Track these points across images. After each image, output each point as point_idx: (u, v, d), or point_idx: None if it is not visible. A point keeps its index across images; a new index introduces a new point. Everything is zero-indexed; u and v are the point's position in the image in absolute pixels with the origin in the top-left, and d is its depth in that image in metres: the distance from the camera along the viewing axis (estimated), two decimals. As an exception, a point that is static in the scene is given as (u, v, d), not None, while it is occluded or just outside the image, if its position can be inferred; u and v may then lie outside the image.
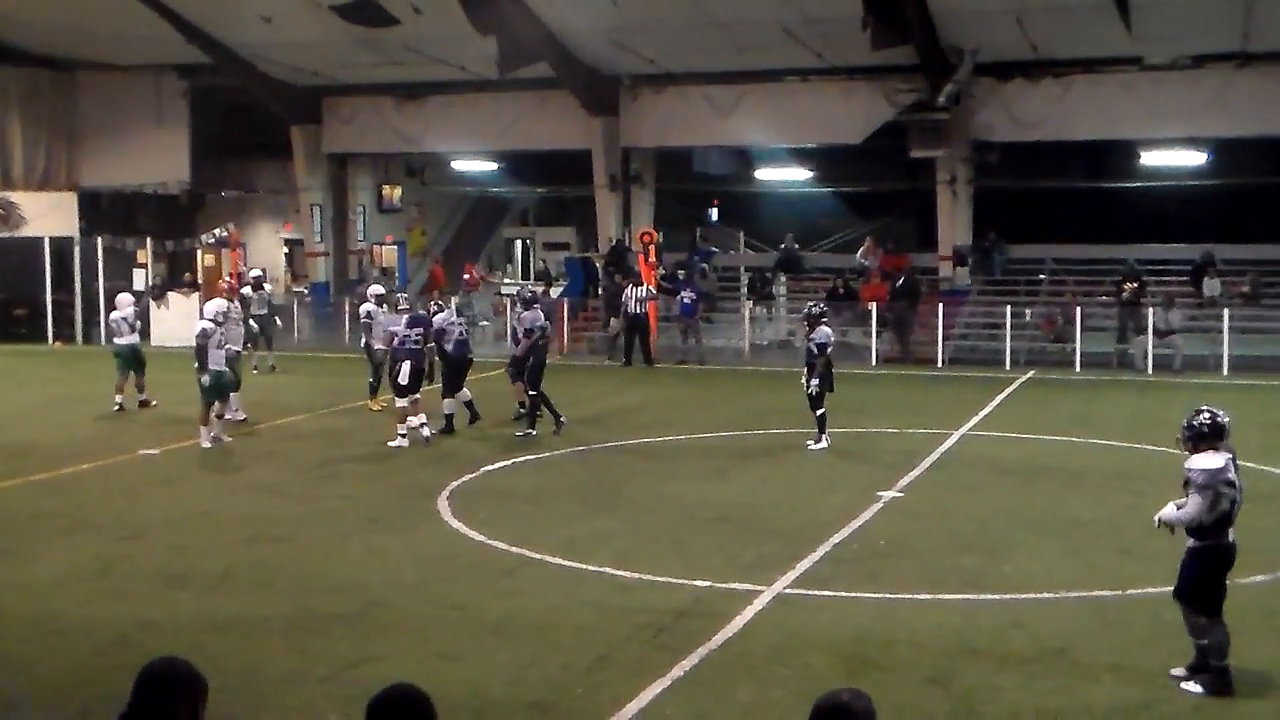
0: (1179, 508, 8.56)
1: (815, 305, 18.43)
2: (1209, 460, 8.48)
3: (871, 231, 32.85)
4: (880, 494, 14.43)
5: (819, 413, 17.40)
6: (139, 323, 21.71)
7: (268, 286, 27.09)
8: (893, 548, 12.25)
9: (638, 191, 33.89)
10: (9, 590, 10.87)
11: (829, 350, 17.60)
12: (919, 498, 14.53)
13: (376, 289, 21.75)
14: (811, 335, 17.63)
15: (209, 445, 17.44)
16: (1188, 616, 8.67)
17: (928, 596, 10.66)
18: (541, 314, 19.52)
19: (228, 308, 19.10)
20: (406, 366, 17.74)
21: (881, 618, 10.18)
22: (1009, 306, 28.11)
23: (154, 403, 20.97)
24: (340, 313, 31.68)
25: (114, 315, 21.66)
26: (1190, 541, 8.59)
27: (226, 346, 18.23)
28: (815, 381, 17.27)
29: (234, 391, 19.14)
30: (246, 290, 24.13)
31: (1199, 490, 8.43)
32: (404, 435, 17.60)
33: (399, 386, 17.79)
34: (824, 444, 17.30)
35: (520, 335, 19.15)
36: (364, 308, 21.30)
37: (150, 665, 4.31)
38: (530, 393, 18.71)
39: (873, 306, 28.74)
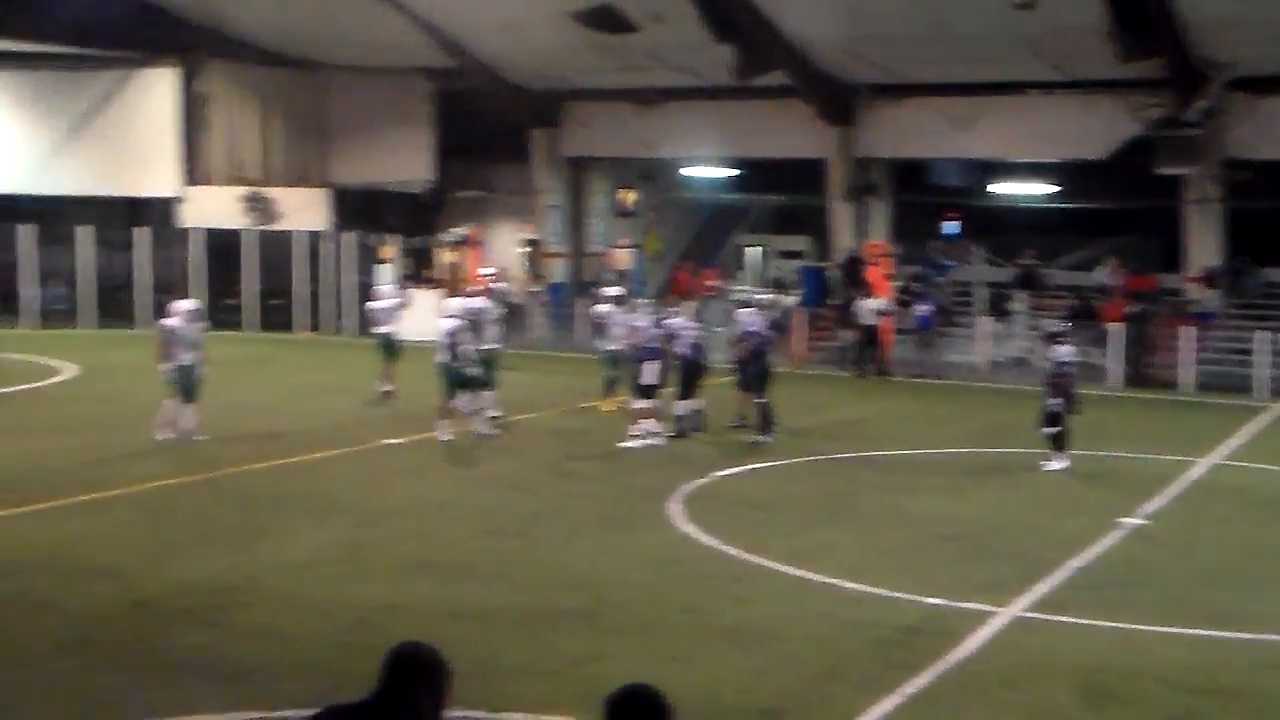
0: None
1: (1055, 324, 18.10)
2: None
3: (1114, 250, 31.87)
4: (1122, 520, 13.98)
5: (1054, 431, 16.98)
6: (397, 314, 22.61)
7: (499, 285, 27.65)
8: (1135, 576, 11.88)
9: (873, 202, 33.57)
10: (266, 567, 11.41)
11: (1069, 370, 17.19)
12: (1164, 526, 14.04)
13: (613, 291, 22.01)
14: (1050, 354, 17.26)
15: (447, 439, 17.85)
16: None
17: (1173, 630, 10.29)
18: (759, 318, 19.48)
19: (485, 306, 19.70)
20: (652, 367, 17.94)
21: (1123, 649, 9.89)
22: (1264, 333, 26.86)
23: (395, 394, 21.71)
24: (576, 313, 32.14)
25: (373, 306, 22.69)
26: None
27: (479, 346, 18.75)
28: (1058, 400, 16.89)
29: (489, 390, 19.66)
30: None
31: None
32: (639, 436, 17.77)
33: (642, 387, 17.97)
34: (1061, 464, 16.87)
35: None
36: (600, 309, 21.57)
37: (400, 648, 4.40)
38: (757, 400, 18.73)
39: (1115, 327, 27.90)
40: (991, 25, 27.21)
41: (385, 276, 32.31)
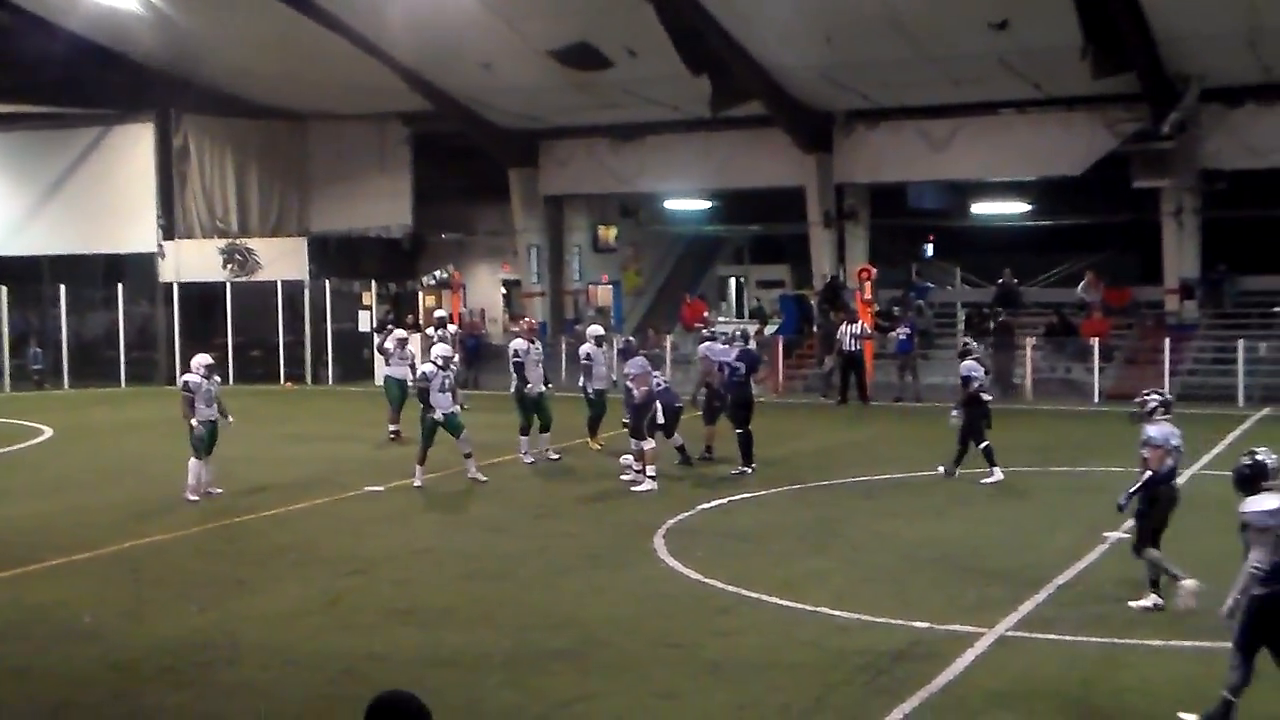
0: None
1: (966, 342, 19.68)
2: (1266, 501, 8.35)
3: (1092, 265, 31.98)
4: (1106, 534, 13.93)
5: (984, 446, 17.51)
6: (395, 356, 23.06)
7: (451, 328, 27.49)
8: (1121, 591, 11.82)
9: (852, 228, 33.67)
10: (247, 620, 11.31)
11: (974, 385, 17.67)
12: (1148, 539, 13.99)
13: (596, 330, 21.87)
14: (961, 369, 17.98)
15: (420, 484, 17.71)
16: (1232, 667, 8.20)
17: (1160, 643, 10.26)
18: (733, 350, 19.47)
19: (527, 348, 20.12)
20: (659, 406, 17.88)
21: (1110, 664, 9.87)
22: (1241, 341, 27.00)
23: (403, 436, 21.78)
24: (557, 353, 32.04)
25: (382, 349, 23.64)
26: (1259, 590, 8.19)
27: (530, 387, 19.58)
28: (955, 414, 17.64)
29: (545, 432, 20.06)
30: (430, 330, 24.54)
31: (1260, 533, 8.23)
32: (653, 477, 17.52)
33: (654, 426, 17.87)
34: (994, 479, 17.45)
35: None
36: (583, 349, 21.40)
37: (380, 698, 4.39)
38: (738, 431, 18.72)
39: (1094, 341, 28.01)
40: (967, 47, 27.36)
41: (365, 323, 32.30)
